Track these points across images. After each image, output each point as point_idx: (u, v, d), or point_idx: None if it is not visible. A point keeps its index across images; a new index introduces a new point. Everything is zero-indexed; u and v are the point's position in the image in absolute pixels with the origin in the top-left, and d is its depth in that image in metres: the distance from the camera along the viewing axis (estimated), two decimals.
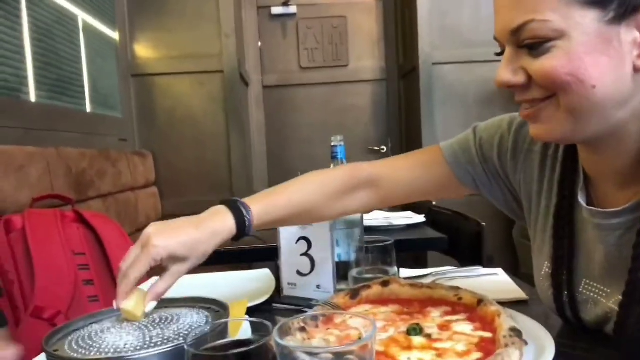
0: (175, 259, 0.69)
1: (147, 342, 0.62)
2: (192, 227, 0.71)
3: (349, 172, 0.89)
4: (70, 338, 0.67)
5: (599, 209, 0.67)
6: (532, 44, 0.58)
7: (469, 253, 1.66)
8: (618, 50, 0.56)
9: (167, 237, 0.69)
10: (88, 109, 2.31)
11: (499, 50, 0.66)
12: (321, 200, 0.85)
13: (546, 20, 0.56)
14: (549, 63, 0.57)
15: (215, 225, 0.73)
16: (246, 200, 0.78)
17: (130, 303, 0.68)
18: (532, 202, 0.80)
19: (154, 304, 0.70)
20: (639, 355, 0.59)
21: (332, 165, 1.07)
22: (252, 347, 0.47)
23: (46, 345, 0.63)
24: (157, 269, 0.72)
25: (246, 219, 0.74)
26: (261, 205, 0.78)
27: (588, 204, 0.70)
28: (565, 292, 0.72)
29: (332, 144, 1.07)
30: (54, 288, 1.15)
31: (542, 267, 0.77)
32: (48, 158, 1.60)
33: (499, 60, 0.65)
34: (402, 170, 0.89)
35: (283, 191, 0.84)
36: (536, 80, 0.60)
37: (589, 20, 0.56)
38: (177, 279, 0.71)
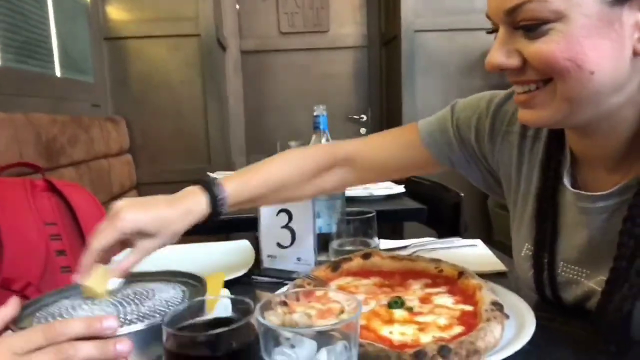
0: (143, 234, 0.67)
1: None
2: (164, 204, 0.70)
3: (326, 151, 0.89)
4: (39, 315, 0.64)
5: (585, 193, 0.66)
6: (529, 25, 0.56)
7: (446, 223, 1.67)
8: (619, 34, 0.54)
9: (136, 211, 0.67)
10: (58, 73, 2.21)
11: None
12: (298, 179, 0.84)
13: (545, 0, 0.53)
14: (547, 47, 0.55)
15: (188, 204, 0.72)
16: (222, 178, 0.77)
17: (91, 279, 0.65)
18: (512, 183, 0.79)
19: (118, 280, 0.67)
20: (617, 337, 0.60)
21: (313, 136, 1.05)
22: (234, 326, 0.45)
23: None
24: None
25: (219, 198, 0.74)
26: (236, 184, 0.77)
27: (573, 187, 0.69)
28: (546, 273, 0.72)
29: (315, 113, 1.04)
30: (24, 259, 1.11)
31: (522, 249, 0.77)
32: (16, 124, 1.53)
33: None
34: (378, 149, 0.89)
35: (259, 170, 0.83)
36: (532, 64, 0.57)
37: (590, 1, 0.53)
38: (144, 256, 0.69)
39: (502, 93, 0.80)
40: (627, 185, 0.62)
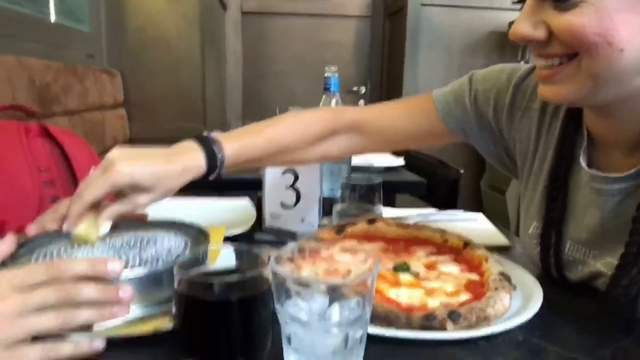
0: (137, 188, 0.65)
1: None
2: (161, 159, 0.67)
3: (332, 115, 0.86)
4: (37, 252, 0.62)
5: (601, 174, 0.65)
6: None
7: (442, 199, 1.67)
8: None
9: (133, 163, 0.64)
10: (52, 18, 2.13)
11: None
12: (300, 144, 0.81)
13: None
14: (577, 20, 0.52)
15: (186, 161, 0.68)
16: (222, 137, 0.73)
17: (82, 226, 0.63)
18: (527, 159, 0.78)
19: (108, 225, 0.65)
20: (623, 317, 0.60)
21: (323, 97, 1.02)
22: (250, 274, 0.44)
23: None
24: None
25: (217, 157, 0.70)
26: (237, 144, 0.74)
27: (588, 167, 0.67)
28: (552, 252, 0.71)
29: (326, 74, 1.01)
30: (17, 203, 1.08)
31: (530, 226, 0.76)
32: (8, 67, 1.47)
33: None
34: (389, 117, 0.86)
35: (262, 130, 0.79)
36: (558, 37, 0.55)
37: None
38: (134, 208, 0.67)
39: (523, 67, 0.78)
40: None
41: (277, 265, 0.48)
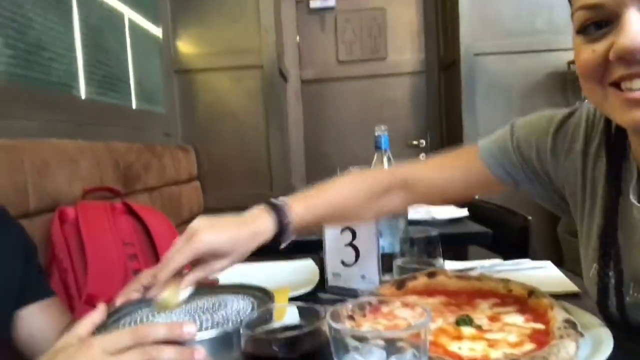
0: (216, 254, 0.71)
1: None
2: (235, 227, 0.73)
3: (385, 174, 0.91)
4: (122, 322, 0.69)
5: None
6: None
7: (513, 248, 1.62)
8: None
9: (213, 232, 0.71)
10: (133, 105, 2.38)
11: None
12: (358, 203, 0.86)
13: None
14: None
15: (257, 226, 0.75)
16: (288, 201, 0.79)
17: (165, 293, 0.70)
18: (578, 201, 0.77)
19: (188, 291, 0.71)
20: None
21: (375, 156, 1.07)
22: (308, 329, 0.48)
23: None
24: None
25: (284, 222, 0.76)
26: (301, 208, 0.79)
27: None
28: (612, 294, 0.69)
29: (376, 133, 1.06)
30: (106, 277, 1.19)
31: (591, 269, 0.74)
32: (97, 152, 1.65)
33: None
34: (438, 171, 0.89)
35: (323, 193, 0.85)
36: None
37: None
38: (212, 273, 0.73)
39: (560, 111, 0.79)
40: None
41: (333, 320, 0.51)
